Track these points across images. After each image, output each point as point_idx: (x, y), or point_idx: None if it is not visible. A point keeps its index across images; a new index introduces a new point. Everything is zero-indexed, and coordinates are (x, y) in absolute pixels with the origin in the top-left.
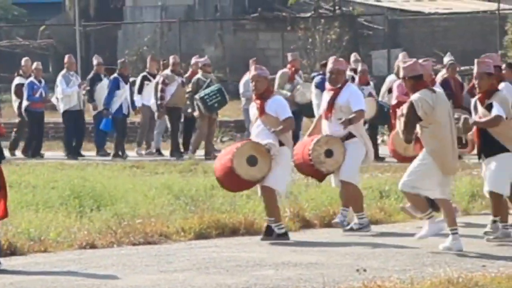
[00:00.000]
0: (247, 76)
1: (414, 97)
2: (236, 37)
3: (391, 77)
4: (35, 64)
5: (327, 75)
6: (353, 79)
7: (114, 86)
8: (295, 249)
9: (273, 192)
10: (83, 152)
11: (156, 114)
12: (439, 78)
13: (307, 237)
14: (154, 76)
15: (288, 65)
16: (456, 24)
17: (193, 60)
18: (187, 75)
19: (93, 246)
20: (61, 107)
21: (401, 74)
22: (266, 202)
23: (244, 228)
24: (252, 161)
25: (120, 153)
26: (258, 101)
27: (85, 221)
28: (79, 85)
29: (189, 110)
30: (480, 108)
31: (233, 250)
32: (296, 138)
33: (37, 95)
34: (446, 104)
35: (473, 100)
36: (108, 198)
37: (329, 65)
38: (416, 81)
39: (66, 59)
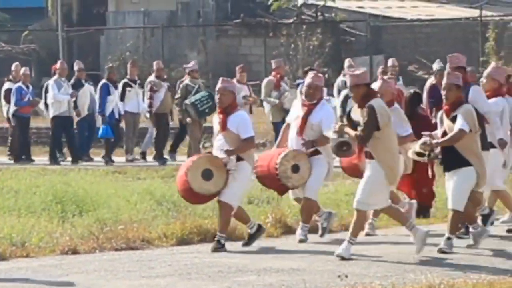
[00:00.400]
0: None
1: (374, 103)
2: (218, 43)
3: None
4: (23, 69)
5: (304, 88)
6: (346, 84)
7: (105, 93)
8: (277, 255)
9: (230, 207)
10: (63, 158)
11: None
12: (427, 85)
13: (289, 243)
14: (135, 82)
15: (273, 73)
16: (439, 31)
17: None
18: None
19: (75, 252)
20: (51, 112)
21: (353, 81)
22: (222, 216)
23: (226, 234)
24: (207, 175)
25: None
26: (221, 116)
27: (67, 227)
28: (71, 95)
29: (179, 117)
30: (446, 120)
31: (215, 256)
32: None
33: (25, 100)
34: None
35: (439, 113)
36: (90, 203)
37: (308, 79)
38: (369, 89)
39: (58, 65)
